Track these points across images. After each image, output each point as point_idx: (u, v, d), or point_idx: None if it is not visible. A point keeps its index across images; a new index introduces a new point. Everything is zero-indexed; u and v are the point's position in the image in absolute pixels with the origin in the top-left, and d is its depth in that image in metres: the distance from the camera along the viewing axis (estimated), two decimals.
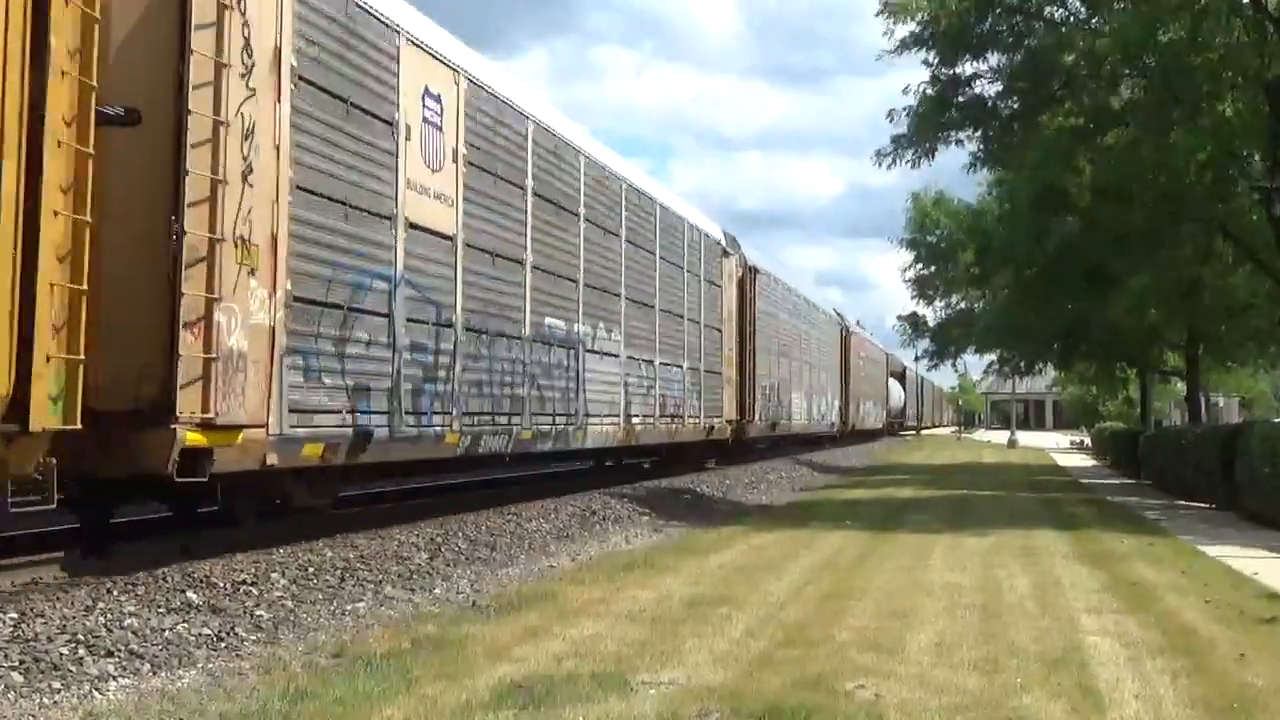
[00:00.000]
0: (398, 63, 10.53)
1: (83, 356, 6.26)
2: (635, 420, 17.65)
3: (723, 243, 23.74)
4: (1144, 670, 6.54)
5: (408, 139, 10.71)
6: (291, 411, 8.88)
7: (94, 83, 6.36)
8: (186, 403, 7.57)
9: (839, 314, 42.77)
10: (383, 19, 10.29)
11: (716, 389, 22.55)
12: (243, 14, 8.18)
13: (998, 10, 20.97)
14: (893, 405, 61.26)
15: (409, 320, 10.58)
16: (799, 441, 35.10)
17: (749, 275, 25.92)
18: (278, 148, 8.64)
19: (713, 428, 22.12)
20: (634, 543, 12.79)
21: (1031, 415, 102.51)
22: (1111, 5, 20.19)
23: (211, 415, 7.77)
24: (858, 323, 53.74)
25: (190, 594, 7.63)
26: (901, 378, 66.27)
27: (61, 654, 6.09)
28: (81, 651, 6.19)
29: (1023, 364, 39.18)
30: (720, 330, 23.04)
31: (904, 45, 21.18)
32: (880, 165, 22.16)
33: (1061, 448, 54.20)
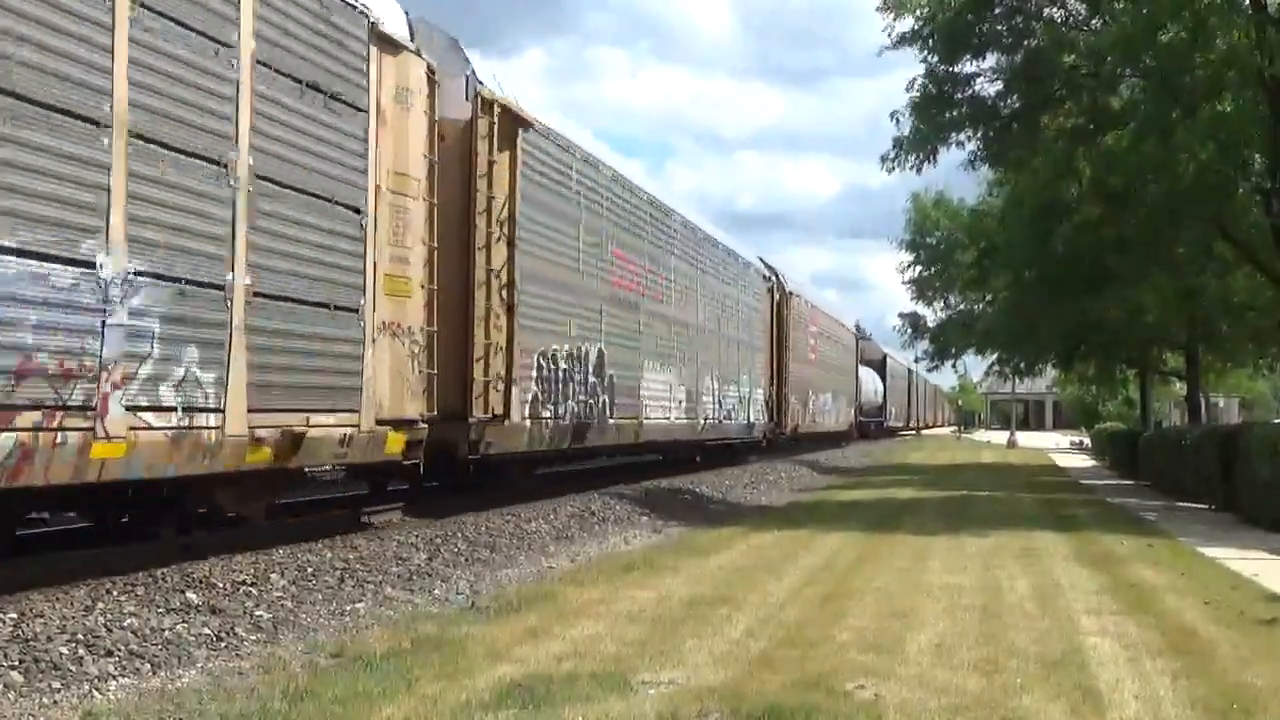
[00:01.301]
0: None
1: None
2: None
3: (386, 26, 10.30)
4: (1144, 671, 6.54)
5: None
6: None
7: None
8: None
9: (768, 266, 29.32)
10: None
11: (348, 348, 9.67)
12: None
13: (996, 10, 20.98)
14: (865, 401, 49.77)
15: None
16: (662, 457, 22.75)
17: (486, 117, 12.41)
18: None
19: (300, 441, 8.98)
20: (633, 543, 12.78)
21: (1031, 415, 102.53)
22: (1112, 5, 20.20)
23: None
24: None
25: (190, 594, 7.63)
26: (881, 368, 55.79)
27: (61, 654, 6.09)
28: (81, 651, 6.19)
29: (1023, 365, 39.18)
30: (360, 213, 9.83)
31: (903, 41, 21.19)
32: (884, 169, 22.17)
33: (1061, 448, 54.20)
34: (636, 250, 17.98)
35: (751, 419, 26.40)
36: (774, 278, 29.54)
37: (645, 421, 18.11)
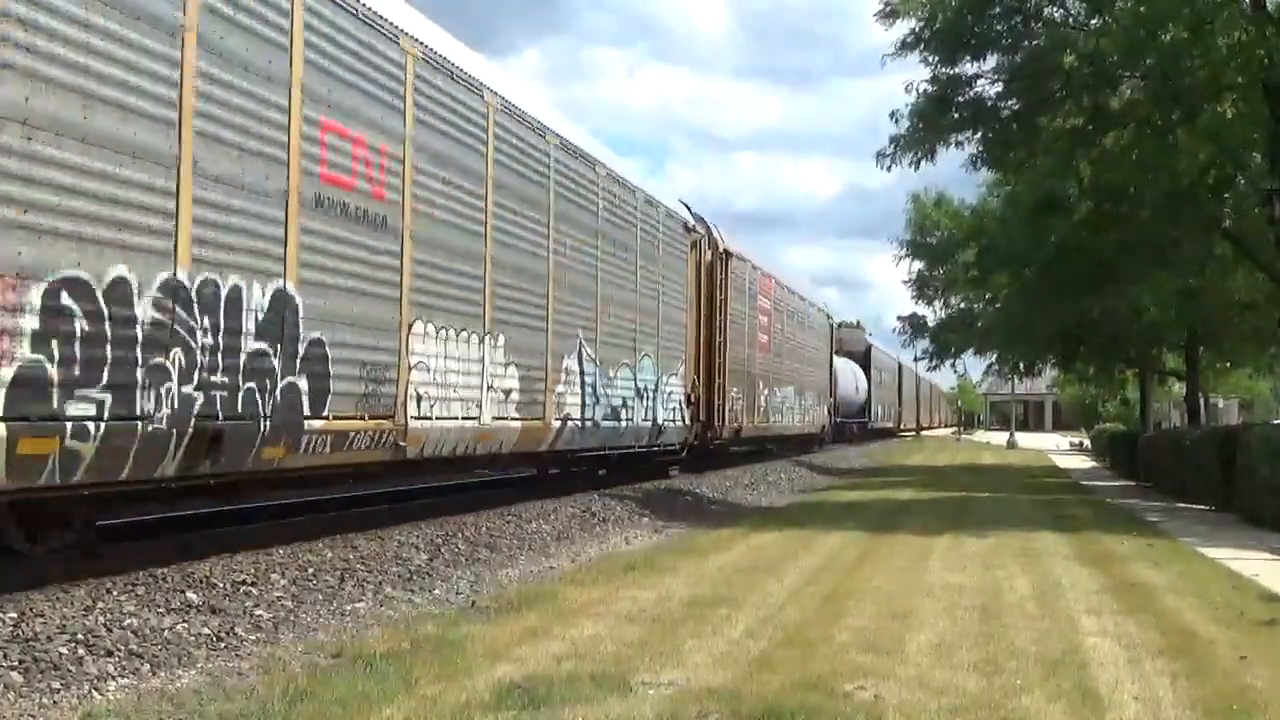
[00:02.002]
0: None
1: None
2: None
3: None
4: (1143, 672, 6.54)
5: None
6: None
7: None
8: None
9: (695, 215, 22.03)
10: None
11: None
12: None
13: (995, 10, 20.98)
14: (844, 398, 42.80)
15: None
16: (546, 474, 17.43)
17: None
18: None
19: None
20: (634, 544, 12.79)
21: (1030, 416, 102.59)
22: (1113, 6, 20.20)
23: None
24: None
25: (190, 594, 7.63)
26: (865, 360, 49.55)
27: (61, 654, 6.09)
28: (81, 651, 6.19)
29: (1022, 365, 39.16)
30: None
31: (905, 45, 21.19)
32: (881, 167, 22.09)
33: (1061, 449, 54.25)
34: (390, 133, 10.33)
35: (660, 418, 18.86)
36: (703, 230, 21.90)
37: (415, 423, 10.74)
